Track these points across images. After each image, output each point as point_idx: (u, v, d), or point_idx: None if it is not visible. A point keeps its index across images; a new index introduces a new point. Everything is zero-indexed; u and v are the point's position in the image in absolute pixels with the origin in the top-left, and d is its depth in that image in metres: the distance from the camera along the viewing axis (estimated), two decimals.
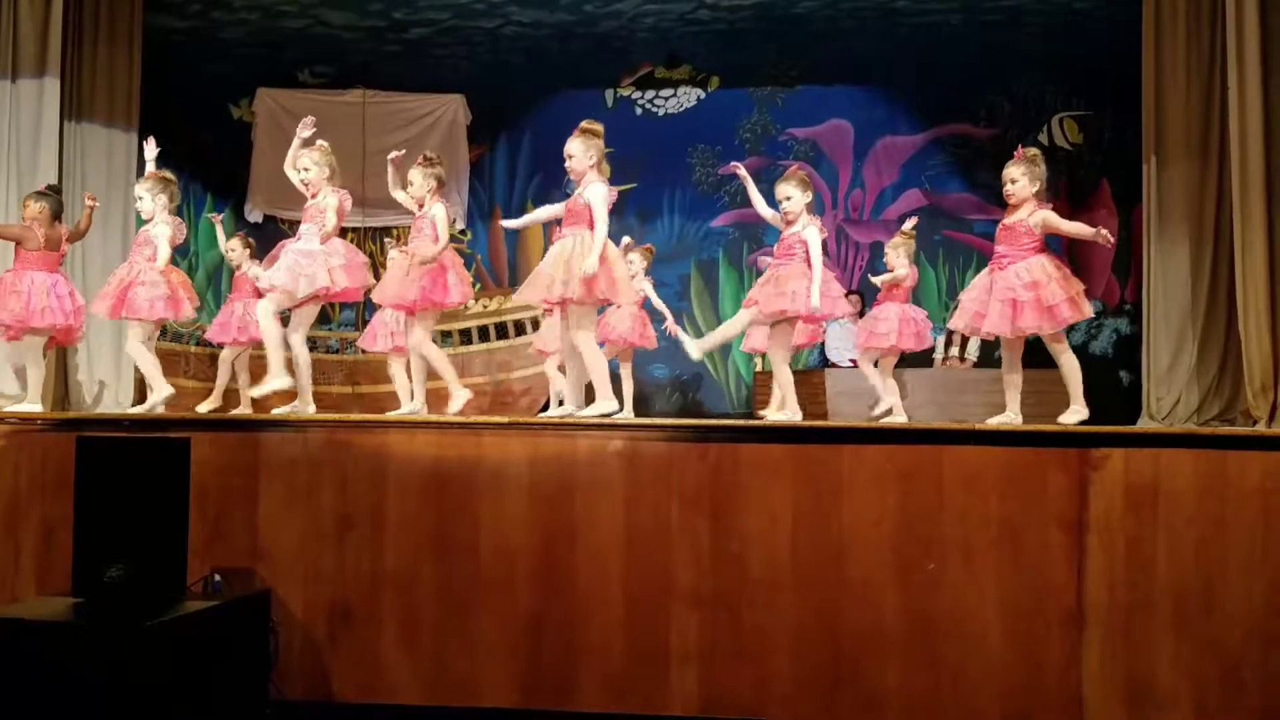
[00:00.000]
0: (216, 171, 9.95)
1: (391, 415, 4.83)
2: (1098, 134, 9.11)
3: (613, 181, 9.66)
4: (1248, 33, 6.97)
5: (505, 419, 4.40)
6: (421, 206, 5.24)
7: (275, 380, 4.94)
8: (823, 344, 8.93)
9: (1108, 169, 9.06)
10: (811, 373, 8.06)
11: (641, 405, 9.30)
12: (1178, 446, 4.03)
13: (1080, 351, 8.33)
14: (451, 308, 5.42)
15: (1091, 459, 3.98)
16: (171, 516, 3.84)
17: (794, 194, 5.08)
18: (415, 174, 5.24)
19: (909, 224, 6.19)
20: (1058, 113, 9.18)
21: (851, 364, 8.43)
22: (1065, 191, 9.13)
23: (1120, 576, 3.98)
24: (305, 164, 5.16)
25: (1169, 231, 7.47)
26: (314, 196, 5.16)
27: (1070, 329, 9.70)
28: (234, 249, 6.68)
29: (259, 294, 6.90)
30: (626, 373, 7.00)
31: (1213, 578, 3.99)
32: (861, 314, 8.82)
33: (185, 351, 8.58)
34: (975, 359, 8.29)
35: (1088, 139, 9.15)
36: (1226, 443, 4.09)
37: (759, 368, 9.18)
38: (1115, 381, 7.19)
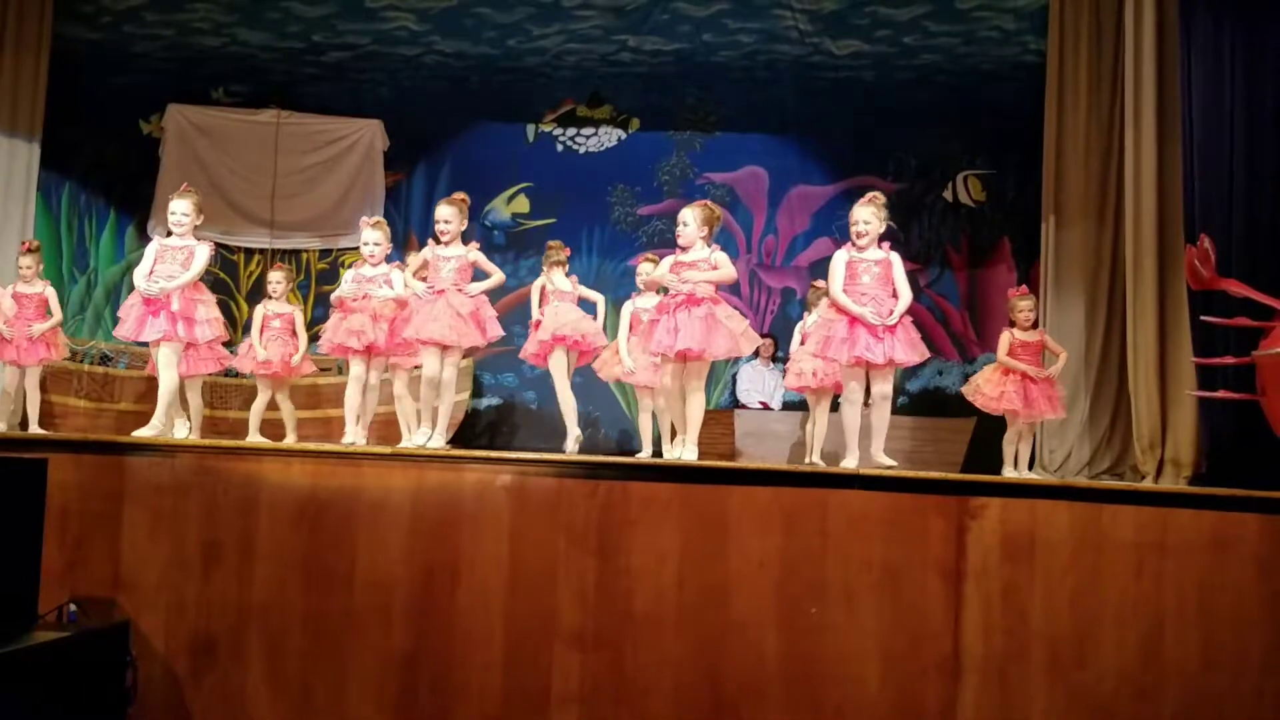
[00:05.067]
0: (121, 186, 9.68)
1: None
2: (1000, 192, 9.37)
3: (531, 216, 9.79)
4: (1144, 102, 7.27)
5: (387, 449, 4.31)
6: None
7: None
8: (734, 385, 8.97)
9: (1009, 226, 9.31)
10: (721, 413, 8.08)
11: (553, 440, 9.23)
12: (1054, 498, 4.10)
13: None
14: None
15: (970, 507, 4.03)
16: (24, 540, 3.66)
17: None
18: (447, 211, 5.29)
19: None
20: (962, 170, 9.44)
21: (761, 406, 8.48)
22: (967, 247, 9.37)
23: (996, 624, 4.02)
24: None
25: (1065, 289, 7.70)
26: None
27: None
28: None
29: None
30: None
31: (1086, 629, 4.06)
32: (775, 358, 8.92)
33: (79, 370, 8.26)
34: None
35: (990, 197, 9.40)
36: (1101, 496, 4.17)
37: None
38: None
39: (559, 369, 6.17)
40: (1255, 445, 6.10)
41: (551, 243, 6.70)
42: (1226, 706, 4.03)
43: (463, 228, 5.37)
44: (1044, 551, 4.04)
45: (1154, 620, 4.07)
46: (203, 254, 5.39)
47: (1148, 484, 6.61)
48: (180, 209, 5.41)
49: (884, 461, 4.79)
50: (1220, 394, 6.33)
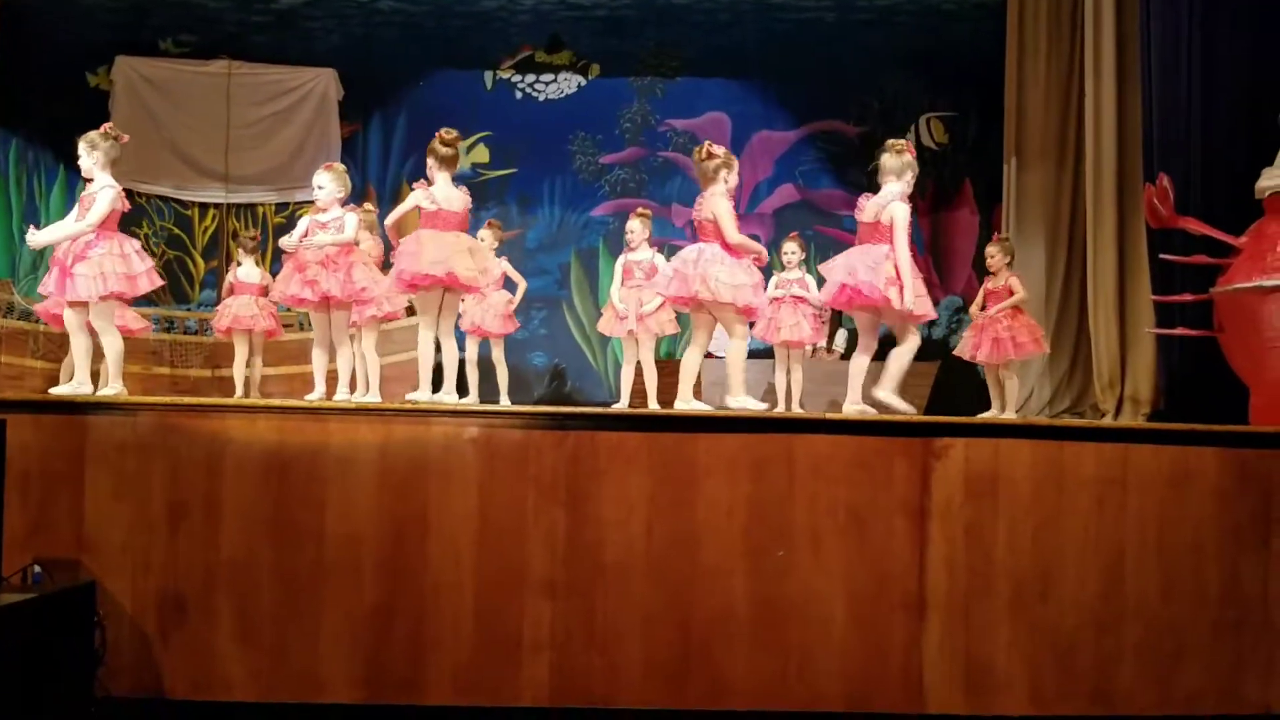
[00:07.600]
0: (70, 142, 9.39)
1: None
2: (962, 135, 9.35)
3: (491, 166, 9.65)
4: (1104, 43, 7.29)
5: (351, 403, 4.27)
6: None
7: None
8: None
9: (971, 169, 9.31)
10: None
11: (519, 392, 9.21)
12: (1016, 437, 4.16)
13: (941, 346, 8.62)
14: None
15: (934, 448, 4.08)
16: None
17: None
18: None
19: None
20: (925, 113, 9.41)
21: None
22: (931, 190, 9.36)
23: (960, 563, 4.09)
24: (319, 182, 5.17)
25: (1026, 231, 7.75)
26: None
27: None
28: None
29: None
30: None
31: (1049, 565, 4.14)
32: None
33: (35, 331, 8.10)
34: (843, 351, 8.46)
35: (953, 139, 9.39)
36: (1063, 434, 4.23)
37: None
38: (973, 374, 7.42)
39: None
40: (1213, 381, 6.22)
41: (492, 220, 6.90)
42: (1186, 637, 4.14)
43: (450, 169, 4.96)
44: (1007, 489, 4.10)
45: (1115, 554, 4.16)
46: (104, 199, 4.69)
47: (1108, 421, 6.72)
48: (80, 148, 4.88)
49: (894, 403, 4.83)
50: (1178, 331, 6.43)
